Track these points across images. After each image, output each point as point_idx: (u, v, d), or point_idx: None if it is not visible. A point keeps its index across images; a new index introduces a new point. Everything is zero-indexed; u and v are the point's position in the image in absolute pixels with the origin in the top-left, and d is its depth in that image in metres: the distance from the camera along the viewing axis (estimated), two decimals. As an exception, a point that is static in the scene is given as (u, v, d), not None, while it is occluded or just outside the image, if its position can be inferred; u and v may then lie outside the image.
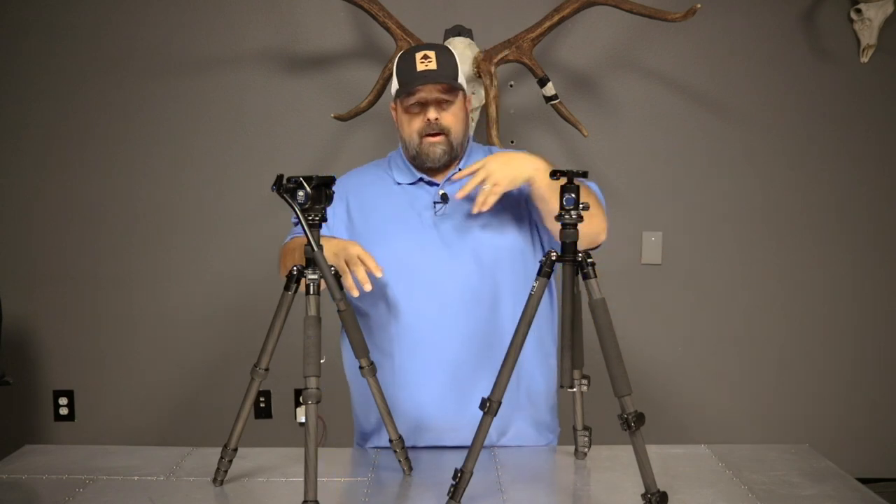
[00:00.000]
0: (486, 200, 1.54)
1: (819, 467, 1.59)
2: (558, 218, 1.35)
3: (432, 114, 1.64)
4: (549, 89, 2.52)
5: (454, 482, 1.36)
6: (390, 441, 1.53)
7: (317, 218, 1.34)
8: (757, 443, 1.75)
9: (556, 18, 2.49)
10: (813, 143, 2.94)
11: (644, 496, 1.30)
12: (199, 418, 2.95)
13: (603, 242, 1.64)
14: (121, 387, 2.99)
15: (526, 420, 1.73)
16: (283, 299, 1.42)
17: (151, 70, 2.87)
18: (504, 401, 1.37)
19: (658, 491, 1.29)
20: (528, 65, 2.52)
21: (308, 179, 1.32)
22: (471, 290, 1.64)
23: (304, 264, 1.39)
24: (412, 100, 1.65)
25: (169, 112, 2.89)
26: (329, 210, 1.38)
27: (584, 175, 1.35)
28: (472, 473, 1.37)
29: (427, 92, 1.63)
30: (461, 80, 1.68)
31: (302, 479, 1.27)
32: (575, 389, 1.51)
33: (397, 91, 1.67)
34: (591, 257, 1.35)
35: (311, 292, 1.35)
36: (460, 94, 1.69)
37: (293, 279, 1.41)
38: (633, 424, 1.29)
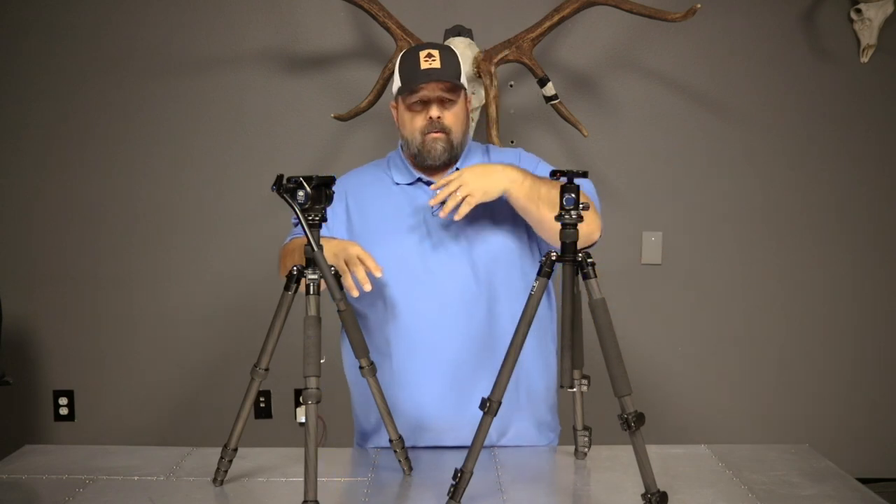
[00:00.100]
0: (460, 210, 1.52)
1: (819, 467, 1.59)
2: (558, 218, 1.35)
3: (435, 112, 1.64)
4: (549, 89, 2.53)
5: (454, 482, 1.36)
6: (390, 441, 1.53)
7: (317, 218, 1.34)
8: (757, 443, 1.75)
9: (556, 18, 2.49)
10: (813, 143, 2.94)
11: (644, 496, 1.30)
12: (199, 418, 2.95)
13: (598, 241, 1.64)
14: (121, 387, 2.99)
15: (526, 420, 1.73)
16: (283, 299, 1.42)
17: (151, 70, 2.87)
18: (504, 401, 1.37)
19: (658, 491, 1.29)
20: (528, 65, 2.52)
21: (308, 179, 1.32)
22: (469, 290, 1.64)
23: (303, 264, 1.39)
24: (415, 97, 1.65)
25: (169, 112, 2.89)
26: (328, 210, 1.38)
27: (585, 175, 1.35)
28: (472, 473, 1.37)
29: (430, 90, 1.63)
30: (463, 79, 1.68)
31: (302, 479, 1.27)
32: (575, 389, 1.51)
33: (399, 88, 1.67)
34: (591, 257, 1.35)
35: (311, 292, 1.35)
36: (462, 94, 1.69)
37: (293, 279, 1.41)
38: (633, 424, 1.29)
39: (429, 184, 1.71)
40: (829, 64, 2.90)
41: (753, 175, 2.95)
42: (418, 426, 1.66)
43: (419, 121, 1.66)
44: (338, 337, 1.75)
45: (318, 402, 1.30)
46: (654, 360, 2.99)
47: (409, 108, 1.67)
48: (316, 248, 1.32)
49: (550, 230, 1.41)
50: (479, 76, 2.48)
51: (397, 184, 1.73)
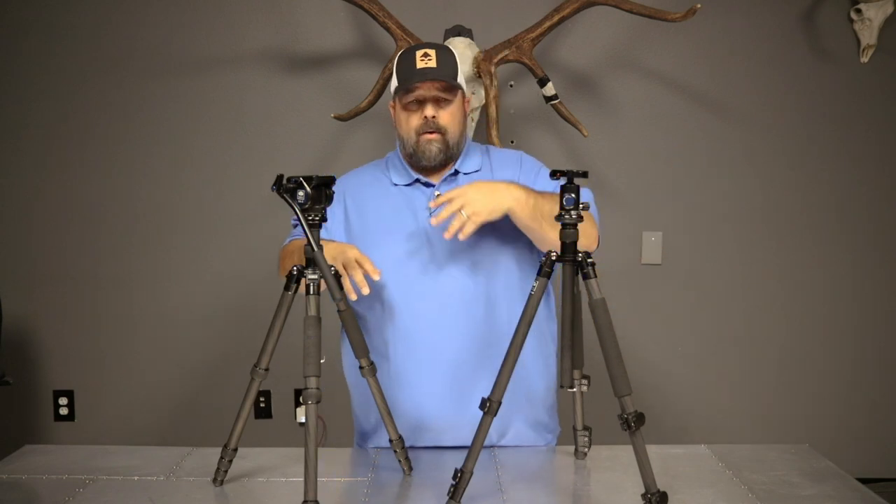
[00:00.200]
0: (464, 230, 1.49)
1: (819, 467, 1.59)
2: (558, 218, 1.35)
3: (430, 111, 1.64)
4: (549, 89, 2.52)
5: (454, 482, 1.37)
6: (390, 441, 1.53)
7: (317, 218, 1.34)
8: (757, 443, 1.75)
9: (556, 18, 2.49)
10: (813, 143, 2.94)
11: (644, 496, 1.30)
12: (199, 418, 2.95)
13: (594, 252, 1.64)
14: (121, 387, 2.99)
15: (524, 421, 1.73)
16: (283, 299, 1.42)
17: (151, 70, 2.87)
18: (503, 401, 1.37)
19: (658, 491, 1.29)
20: (528, 65, 2.52)
21: (308, 179, 1.32)
22: (467, 290, 1.64)
23: (303, 264, 1.39)
24: (410, 97, 1.65)
25: (169, 112, 2.89)
26: (327, 211, 1.38)
27: (585, 175, 1.35)
28: (472, 473, 1.37)
29: (425, 89, 1.63)
30: (461, 80, 1.68)
31: (302, 479, 1.27)
32: (575, 389, 1.52)
33: (396, 88, 1.67)
34: (590, 257, 1.35)
35: (311, 292, 1.35)
36: (459, 94, 1.69)
37: (293, 279, 1.41)
38: (633, 424, 1.29)
39: (427, 185, 1.71)
40: (829, 64, 2.90)
41: (753, 175, 2.95)
42: (418, 427, 1.66)
43: (414, 120, 1.66)
44: (338, 337, 1.75)
45: (318, 402, 1.30)
46: (654, 360, 2.99)
47: (405, 107, 1.67)
48: (316, 248, 1.32)
49: (553, 246, 1.40)
50: (479, 76, 2.48)
51: (395, 185, 1.73)
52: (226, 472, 1.50)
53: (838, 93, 2.91)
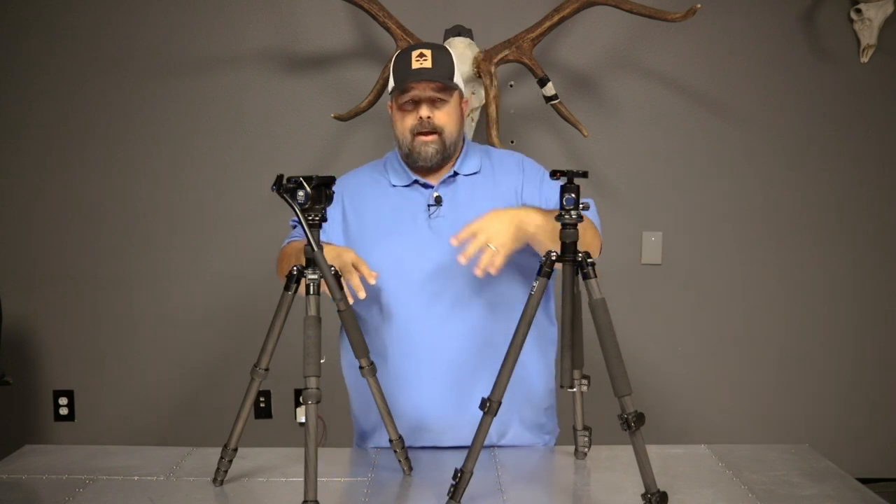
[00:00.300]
0: (494, 262, 1.45)
1: (819, 467, 1.59)
2: (558, 218, 1.35)
3: (424, 112, 1.64)
4: (549, 89, 2.52)
5: (454, 482, 1.36)
6: (390, 441, 1.53)
7: (317, 218, 1.34)
8: (757, 443, 1.75)
9: (556, 18, 2.49)
10: (813, 143, 2.94)
11: (644, 496, 1.30)
12: (199, 418, 2.95)
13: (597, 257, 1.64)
14: (121, 387, 2.99)
15: (523, 422, 1.73)
16: (283, 299, 1.42)
17: (151, 70, 2.87)
18: (503, 401, 1.37)
19: (658, 491, 1.29)
20: (528, 65, 2.52)
21: (308, 179, 1.32)
22: (466, 291, 1.64)
23: (303, 265, 1.39)
24: (406, 97, 1.65)
25: (169, 112, 2.89)
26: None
27: (585, 175, 1.35)
28: (472, 473, 1.37)
29: (420, 90, 1.63)
30: (458, 79, 1.67)
31: (302, 479, 1.27)
32: (575, 389, 1.52)
33: (392, 88, 1.67)
34: (591, 257, 1.35)
35: (311, 292, 1.35)
36: (455, 94, 1.68)
37: (293, 279, 1.41)
38: (633, 424, 1.29)
39: (425, 186, 1.71)
40: (829, 64, 2.90)
41: (753, 175, 2.95)
42: (418, 427, 1.66)
43: (409, 120, 1.66)
44: (338, 337, 1.75)
45: (318, 402, 1.30)
46: (654, 360, 2.99)
47: (401, 107, 1.67)
48: (316, 249, 1.32)
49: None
50: (479, 76, 2.48)
51: (394, 186, 1.73)
52: (226, 472, 1.50)
53: (838, 93, 2.91)
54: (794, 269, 2.99)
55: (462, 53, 2.46)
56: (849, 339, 3.02)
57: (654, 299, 2.98)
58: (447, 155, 1.69)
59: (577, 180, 1.34)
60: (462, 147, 1.75)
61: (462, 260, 1.46)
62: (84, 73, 2.87)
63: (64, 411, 2.99)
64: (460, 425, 1.61)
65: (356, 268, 1.50)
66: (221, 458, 1.49)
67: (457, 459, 1.40)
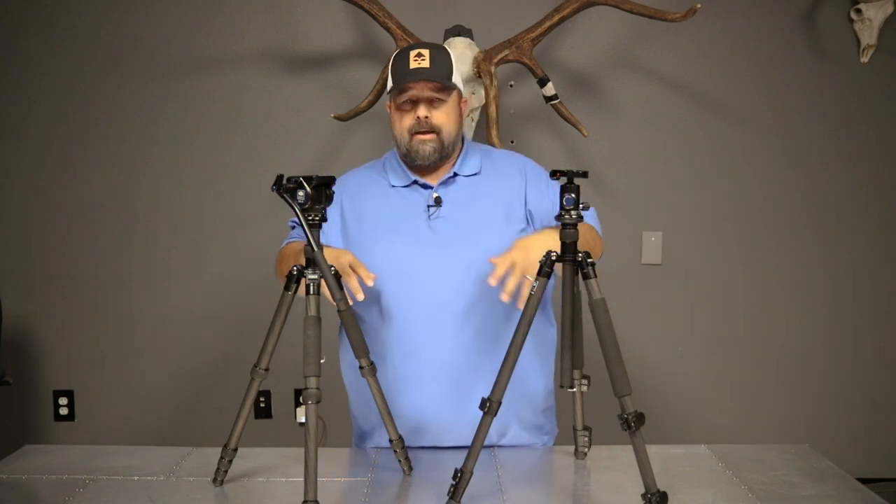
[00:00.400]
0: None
1: (819, 467, 1.59)
2: (558, 218, 1.35)
3: (422, 111, 1.64)
4: (549, 89, 2.52)
5: (454, 482, 1.36)
6: (390, 441, 1.53)
7: (317, 218, 1.34)
8: (757, 443, 1.75)
9: (556, 18, 2.49)
10: (813, 143, 2.94)
11: (644, 496, 1.30)
12: (199, 418, 2.95)
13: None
14: (121, 387, 2.99)
15: (521, 424, 1.73)
16: (283, 299, 1.42)
17: (151, 70, 2.87)
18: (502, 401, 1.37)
19: (658, 491, 1.29)
20: (528, 65, 2.52)
21: (308, 179, 1.32)
22: (466, 291, 1.63)
23: (303, 265, 1.39)
24: (404, 97, 1.65)
25: (169, 112, 2.89)
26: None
27: (585, 175, 1.35)
28: (472, 473, 1.37)
29: (418, 90, 1.63)
30: (456, 79, 1.67)
31: (302, 479, 1.27)
32: (575, 389, 1.51)
33: (390, 88, 1.66)
34: (591, 257, 1.35)
35: (311, 292, 1.35)
36: (454, 94, 1.68)
37: (293, 279, 1.41)
38: (633, 424, 1.29)
39: (425, 186, 1.70)
40: (829, 64, 2.90)
41: (753, 175, 2.95)
42: (417, 428, 1.66)
43: (407, 120, 1.66)
44: (337, 337, 1.75)
45: (318, 402, 1.30)
46: (654, 360, 2.99)
47: (399, 107, 1.67)
48: (316, 248, 1.32)
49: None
50: (479, 76, 2.48)
51: (394, 186, 1.72)
52: (226, 472, 1.50)
53: (838, 93, 2.91)
54: (794, 269, 2.99)
55: (462, 53, 2.46)
56: (849, 339, 3.02)
57: (654, 299, 2.98)
58: (445, 154, 1.69)
59: (577, 180, 1.34)
60: (461, 148, 1.74)
61: (504, 298, 1.47)
62: (84, 73, 2.87)
63: (64, 411, 2.99)
64: (460, 426, 1.61)
65: (354, 270, 1.50)
66: (221, 458, 1.49)
67: (457, 459, 1.40)
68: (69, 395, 2.99)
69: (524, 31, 2.52)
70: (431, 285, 1.63)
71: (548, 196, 1.69)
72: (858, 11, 2.80)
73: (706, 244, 2.97)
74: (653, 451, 1.33)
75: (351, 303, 1.48)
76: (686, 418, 3.00)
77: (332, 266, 1.38)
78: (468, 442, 1.38)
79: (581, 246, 1.36)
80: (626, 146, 2.92)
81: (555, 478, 1.64)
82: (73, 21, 2.84)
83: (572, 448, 1.65)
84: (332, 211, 1.67)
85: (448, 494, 1.37)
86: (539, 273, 1.37)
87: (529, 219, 1.70)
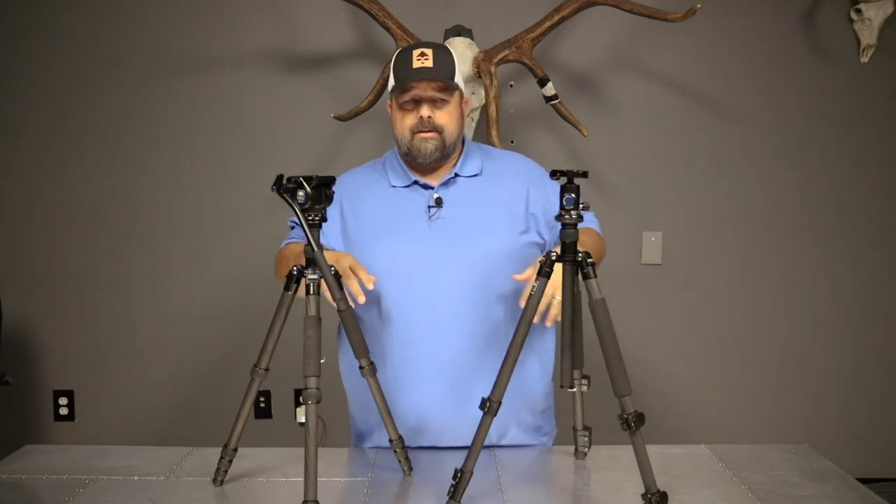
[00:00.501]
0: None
1: (819, 467, 1.59)
2: (558, 218, 1.35)
3: (425, 111, 1.63)
4: (549, 89, 2.52)
5: (454, 482, 1.36)
6: (390, 441, 1.53)
7: (317, 218, 1.34)
8: (757, 443, 1.75)
9: (556, 18, 2.49)
10: (813, 143, 2.94)
11: (644, 496, 1.30)
12: (199, 418, 2.95)
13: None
14: (121, 387, 2.99)
15: (519, 425, 1.73)
16: (283, 299, 1.42)
17: (151, 70, 2.87)
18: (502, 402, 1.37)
19: (658, 491, 1.29)
20: (528, 65, 2.52)
21: (308, 179, 1.32)
22: (465, 292, 1.63)
23: (303, 265, 1.39)
24: (406, 96, 1.64)
25: (169, 112, 2.89)
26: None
27: (585, 175, 1.34)
28: (472, 473, 1.37)
29: (422, 89, 1.63)
30: (458, 79, 1.67)
31: (302, 479, 1.27)
32: (575, 389, 1.51)
33: (392, 87, 1.66)
34: (590, 257, 1.35)
35: (311, 292, 1.35)
36: (456, 94, 1.67)
37: (293, 279, 1.41)
38: (633, 424, 1.29)
39: (425, 187, 1.70)
40: (829, 64, 2.90)
41: (753, 175, 2.95)
42: (417, 428, 1.66)
43: (409, 119, 1.65)
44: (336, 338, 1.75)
45: (318, 402, 1.30)
46: (654, 360, 2.99)
47: (401, 106, 1.66)
48: (316, 249, 1.32)
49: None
50: (479, 76, 2.48)
51: (394, 186, 1.72)
52: (226, 472, 1.50)
53: (838, 93, 2.91)
54: (794, 269, 2.99)
55: (462, 53, 2.46)
56: (849, 339, 3.02)
57: (654, 299, 2.98)
58: (446, 153, 1.68)
59: (577, 180, 1.34)
60: (462, 148, 1.74)
61: (549, 323, 1.51)
62: (84, 73, 2.87)
63: (64, 411, 2.99)
64: (460, 426, 1.61)
65: (354, 272, 1.50)
66: (221, 458, 1.49)
67: (457, 459, 1.40)
68: (69, 395, 2.99)
69: (524, 31, 2.52)
70: (431, 286, 1.63)
71: (552, 198, 1.69)
72: (858, 11, 2.80)
73: (706, 244, 2.97)
74: (653, 451, 1.33)
75: (353, 306, 1.49)
76: (686, 418, 3.00)
77: (331, 266, 1.38)
78: (468, 442, 1.38)
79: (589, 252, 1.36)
80: (626, 146, 2.92)
81: (555, 478, 1.64)
82: (73, 21, 2.84)
83: (572, 448, 1.65)
84: (332, 211, 1.67)
85: (448, 494, 1.37)
86: (539, 273, 1.37)
87: (535, 221, 1.69)
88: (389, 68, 1.70)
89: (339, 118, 2.62)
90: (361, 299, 1.49)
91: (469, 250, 1.64)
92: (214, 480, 1.50)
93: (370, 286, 1.50)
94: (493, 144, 2.45)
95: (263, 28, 2.86)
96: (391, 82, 1.67)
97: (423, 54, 1.62)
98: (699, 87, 2.91)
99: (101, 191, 2.92)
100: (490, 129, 2.49)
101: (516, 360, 1.36)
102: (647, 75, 2.90)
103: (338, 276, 1.41)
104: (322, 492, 1.29)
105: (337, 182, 1.42)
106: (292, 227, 1.80)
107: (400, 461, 1.54)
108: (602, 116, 2.89)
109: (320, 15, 2.84)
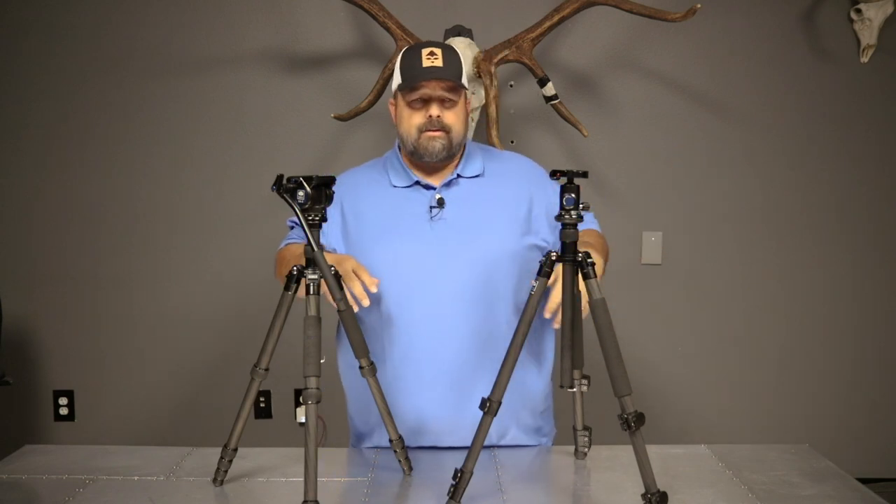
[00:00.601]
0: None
1: (819, 467, 1.59)
2: (558, 218, 1.35)
3: (434, 111, 1.63)
4: (549, 89, 2.52)
5: (454, 482, 1.36)
6: (390, 441, 1.53)
7: (317, 218, 1.34)
8: (757, 443, 1.75)
9: (556, 18, 2.49)
10: (813, 143, 2.94)
11: (644, 496, 1.30)
12: (199, 418, 2.95)
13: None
14: (121, 387, 2.99)
15: (519, 426, 1.73)
16: (283, 299, 1.42)
17: (151, 70, 2.87)
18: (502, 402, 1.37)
19: (658, 491, 1.29)
20: (528, 65, 2.52)
21: (308, 179, 1.32)
22: (466, 292, 1.63)
23: (303, 265, 1.39)
24: (415, 95, 1.63)
25: (169, 112, 2.89)
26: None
27: (585, 175, 1.34)
28: (472, 473, 1.37)
29: (431, 88, 1.62)
30: (464, 80, 1.67)
31: (302, 479, 1.27)
32: (575, 389, 1.51)
33: (400, 85, 1.64)
34: (590, 257, 1.35)
35: (311, 292, 1.34)
36: (463, 95, 1.67)
37: (293, 279, 1.41)
38: (633, 424, 1.29)
39: (427, 187, 1.70)
40: (829, 64, 2.90)
41: (753, 175, 2.95)
42: (417, 429, 1.66)
43: (418, 118, 1.64)
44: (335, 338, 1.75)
45: (318, 402, 1.30)
46: (654, 360, 2.99)
47: (409, 105, 1.65)
48: (316, 249, 1.32)
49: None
50: (479, 76, 2.48)
51: (395, 186, 1.71)
52: (226, 472, 1.50)
53: (838, 93, 2.91)
54: (794, 269, 2.99)
55: (462, 53, 2.44)
56: (849, 339, 3.02)
57: (654, 299, 2.98)
58: (452, 153, 1.67)
59: (577, 180, 1.34)
60: (464, 149, 1.74)
61: (547, 314, 1.54)
62: (84, 73, 2.87)
63: (64, 411, 2.99)
64: (460, 426, 1.61)
65: (358, 275, 1.50)
66: (221, 458, 1.49)
67: (457, 459, 1.40)
68: (69, 395, 2.99)
69: (524, 31, 2.52)
70: (432, 287, 1.63)
71: (554, 199, 1.68)
72: (858, 11, 2.80)
73: (706, 244, 2.97)
74: (653, 451, 1.33)
75: (356, 309, 1.48)
76: (686, 418, 3.00)
77: (332, 266, 1.38)
78: (468, 442, 1.38)
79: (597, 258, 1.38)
80: (626, 146, 2.92)
81: (555, 478, 1.64)
82: (73, 21, 2.84)
83: (572, 448, 1.65)
84: (332, 210, 1.67)
85: (448, 494, 1.37)
86: (539, 273, 1.37)
87: (538, 224, 1.69)
88: (390, 68, 1.70)
89: (339, 118, 2.62)
90: (365, 302, 1.49)
91: (470, 251, 1.64)
92: (214, 480, 1.50)
93: (373, 289, 1.50)
94: (493, 144, 2.45)
95: (263, 28, 2.86)
96: (397, 80, 1.65)
97: (432, 53, 1.61)
98: (699, 87, 2.91)
99: (101, 191, 2.92)
100: (490, 129, 2.49)
101: (516, 360, 1.36)
102: (647, 75, 2.90)
103: (338, 276, 1.41)
104: (322, 492, 1.29)
105: (337, 181, 1.41)
106: (292, 227, 1.79)
107: (400, 461, 1.54)
108: (602, 116, 2.89)
109: (320, 15, 2.84)
